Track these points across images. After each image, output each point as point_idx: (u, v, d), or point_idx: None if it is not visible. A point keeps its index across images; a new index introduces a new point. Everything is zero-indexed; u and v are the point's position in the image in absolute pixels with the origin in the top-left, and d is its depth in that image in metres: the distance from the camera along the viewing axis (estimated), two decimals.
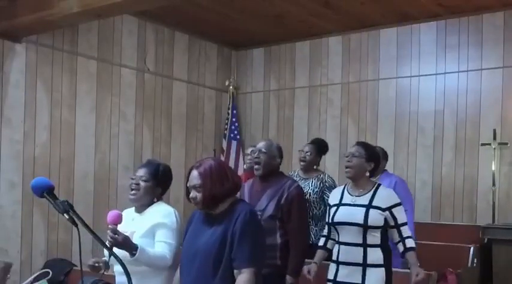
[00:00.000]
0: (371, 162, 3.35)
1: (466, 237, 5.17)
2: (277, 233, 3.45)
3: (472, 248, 4.87)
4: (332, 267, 3.36)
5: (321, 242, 3.53)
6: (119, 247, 2.50)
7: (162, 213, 2.85)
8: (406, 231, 3.26)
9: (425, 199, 5.98)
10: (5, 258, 5.00)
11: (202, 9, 5.88)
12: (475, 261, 4.88)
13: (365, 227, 3.20)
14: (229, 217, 2.45)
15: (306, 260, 3.53)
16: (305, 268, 3.37)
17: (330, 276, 3.35)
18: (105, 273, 2.92)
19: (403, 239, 3.25)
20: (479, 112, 5.76)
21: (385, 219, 3.24)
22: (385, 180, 4.64)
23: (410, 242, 3.25)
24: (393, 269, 3.71)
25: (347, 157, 3.37)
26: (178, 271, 2.67)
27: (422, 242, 5.03)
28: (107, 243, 2.42)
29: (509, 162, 5.59)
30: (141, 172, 2.91)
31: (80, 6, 4.34)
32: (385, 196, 3.30)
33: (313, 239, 4.36)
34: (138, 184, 2.89)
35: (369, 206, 3.24)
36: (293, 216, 3.46)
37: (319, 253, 3.49)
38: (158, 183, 2.92)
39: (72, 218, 2.01)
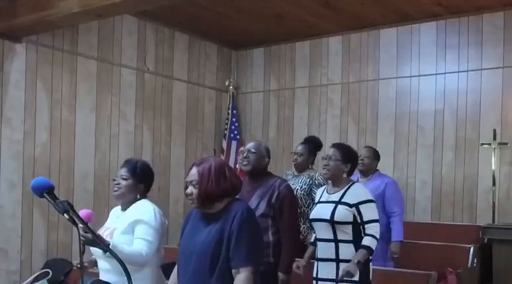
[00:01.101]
0: (348, 163, 3.45)
1: (466, 237, 5.16)
2: (269, 231, 3.54)
3: (472, 248, 4.87)
4: (315, 265, 3.46)
5: (312, 238, 3.64)
6: (90, 245, 2.53)
7: (141, 210, 2.91)
8: (370, 228, 3.29)
9: (425, 199, 5.98)
10: (5, 258, 5.02)
11: (202, 9, 5.88)
12: (475, 261, 4.88)
13: (332, 222, 3.29)
14: (226, 216, 2.46)
15: (296, 258, 3.61)
16: (294, 265, 3.48)
17: (314, 274, 3.45)
18: (95, 270, 2.96)
19: (364, 236, 3.29)
20: (479, 112, 5.76)
21: (354, 215, 3.30)
22: (377, 180, 4.68)
23: (366, 240, 3.26)
24: (384, 268, 3.77)
25: (325, 159, 3.47)
26: (175, 270, 2.68)
27: (422, 242, 5.04)
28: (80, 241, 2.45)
29: (509, 162, 5.58)
30: (122, 171, 3.00)
31: (80, 6, 4.34)
32: (355, 192, 3.38)
33: (302, 236, 4.40)
34: (119, 183, 2.97)
35: (338, 202, 3.34)
36: (284, 214, 3.55)
37: (310, 249, 3.61)
38: (139, 180, 2.98)
39: (72, 218, 2.02)
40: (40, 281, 4.16)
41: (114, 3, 4.20)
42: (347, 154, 3.47)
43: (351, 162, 3.47)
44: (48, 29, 5.08)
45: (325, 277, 3.34)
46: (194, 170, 2.52)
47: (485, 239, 5.18)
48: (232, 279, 2.40)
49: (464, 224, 5.68)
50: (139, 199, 2.98)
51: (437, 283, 4.07)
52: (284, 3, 5.69)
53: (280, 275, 3.51)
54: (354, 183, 3.49)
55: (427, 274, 3.84)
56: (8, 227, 5.05)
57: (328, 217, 3.31)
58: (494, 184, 5.56)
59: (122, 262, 2.09)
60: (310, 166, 4.73)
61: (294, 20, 6.19)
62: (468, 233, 5.29)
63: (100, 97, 5.78)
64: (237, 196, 3.59)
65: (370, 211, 3.32)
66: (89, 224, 2.58)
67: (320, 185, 4.53)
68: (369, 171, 4.76)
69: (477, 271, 4.97)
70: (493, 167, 5.58)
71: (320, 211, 3.41)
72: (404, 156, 6.14)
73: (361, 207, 3.31)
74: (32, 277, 4.23)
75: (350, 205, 3.31)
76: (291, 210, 3.60)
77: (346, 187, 3.41)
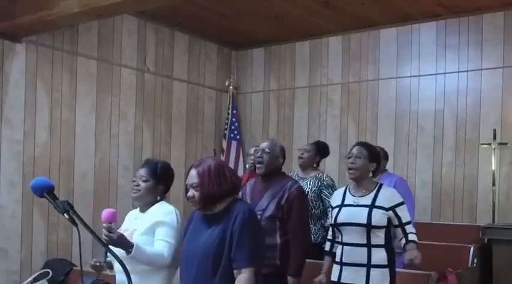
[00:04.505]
0: (373, 162, 3.35)
1: (466, 237, 5.16)
2: (277, 233, 3.44)
3: (472, 248, 4.87)
4: (335, 268, 3.33)
5: (327, 247, 3.51)
6: (114, 245, 2.51)
7: (163, 212, 2.86)
8: (410, 228, 3.27)
9: (425, 199, 5.98)
10: (5, 258, 5.02)
11: (202, 9, 5.88)
12: (475, 261, 4.88)
13: (368, 227, 3.19)
14: (228, 216, 2.45)
15: (307, 260, 3.54)
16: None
17: (334, 278, 3.32)
18: (109, 273, 2.93)
19: (406, 235, 3.25)
20: (479, 112, 5.76)
21: (389, 219, 3.24)
22: (385, 180, 4.63)
23: (412, 236, 3.25)
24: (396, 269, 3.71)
25: (349, 158, 3.33)
26: (178, 271, 2.68)
27: (423, 242, 5.02)
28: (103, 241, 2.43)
29: (509, 162, 5.59)
30: (141, 172, 2.93)
31: (80, 6, 4.34)
32: (388, 195, 3.29)
33: (313, 238, 4.37)
34: (138, 185, 2.90)
35: (372, 206, 3.23)
36: (293, 216, 3.44)
37: (327, 261, 3.46)
38: (159, 181, 2.92)
39: (72, 218, 2.01)
40: (40, 281, 4.16)
41: (114, 3, 4.19)
42: (373, 153, 3.37)
43: (376, 161, 3.37)
44: (48, 29, 5.07)
45: (352, 282, 3.23)
46: (193, 172, 2.49)
47: (485, 239, 5.18)
48: (235, 280, 2.39)
49: (464, 224, 5.68)
50: (158, 201, 2.93)
51: (437, 283, 4.06)
52: (284, 3, 5.68)
53: (290, 279, 3.41)
54: (381, 184, 3.39)
55: (427, 274, 3.83)
56: (8, 227, 5.05)
57: (364, 221, 3.20)
58: (494, 184, 5.56)
59: (122, 262, 2.08)
60: (314, 166, 4.70)
61: (294, 20, 6.19)
62: (468, 233, 5.29)
63: (100, 97, 5.78)
64: (248, 196, 3.59)
65: (406, 213, 3.28)
66: (113, 224, 2.57)
67: (329, 186, 4.48)
68: (378, 171, 4.72)
69: (477, 271, 4.97)
70: (493, 167, 5.58)
71: (352, 215, 3.26)
72: (404, 156, 6.14)
73: (397, 209, 3.24)
74: (32, 277, 4.23)
75: (386, 209, 3.22)
76: (300, 212, 3.48)
77: (375, 190, 3.30)
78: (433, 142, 6.00)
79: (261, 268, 2.52)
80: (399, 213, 3.25)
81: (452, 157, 5.88)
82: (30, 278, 4.17)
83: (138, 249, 2.60)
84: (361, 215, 3.23)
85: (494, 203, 5.54)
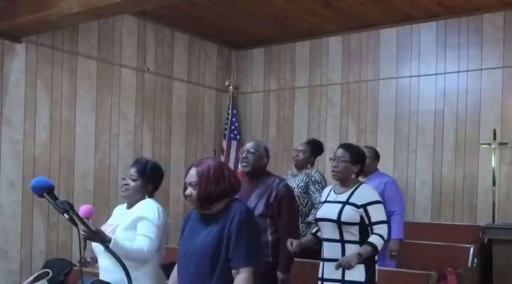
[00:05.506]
0: (357, 164, 3.40)
1: (466, 237, 5.17)
2: (268, 231, 3.54)
3: (472, 248, 4.87)
4: (320, 265, 3.43)
5: (314, 230, 3.62)
6: (91, 240, 2.53)
7: (145, 208, 2.91)
8: (378, 229, 3.26)
9: (425, 199, 5.98)
10: (5, 258, 5.02)
11: (202, 9, 5.88)
12: (475, 261, 4.88)
13: (339, 223, 3.26)
14: (225, 216, 2.47)
15: (295, 258, 3.61)
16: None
17: (319, 274, 3.41)
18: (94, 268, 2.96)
19: (372, 235, 3.27)
20: (479, 112, 5.76)
21: (361, 216, 3.27)
22: (376, 180, 4.67)
23: (373, 238, 3.24)
24: (384, 268, 3.73)
25: (334, 161, 3.40)
26: (175, 270, 2.68)
27: (423, 242, 5.04)
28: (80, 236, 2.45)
29: (509, 161, 5.59)
30: (131, 171, 3.00)
31: (80, 6, 4.34)
32: (363, 193, 3.34)
33: (301, 236, 4.40)
34: (128, 184, 2.97)
35: (345, 203, 3.30)
36: (283, 214, 3.56)
37: (309, 236, 3.60)
38: (148, 181, 2.98)
39: (72, 218, 2.02)
40: (40, 281, 4.15)
41: (114, 3, 4.20)
42: (356, 155, 3.41)
43: (360, 163, 3.41)
44: (48, 29, 5.08)
45: (330, 277, 3.29)
46: (193, 171, 2.52)
47: (485, 239, 5.18)
48: (233, 279, 2.40)
49: (464, 224, 5.68)
50: (145, 198, 2.99)
51: (437, 283, 4.07)
52: (284, 3, 5.69)
53: (279, 274, 3.52)
54: (361, 183, 3.44)
55: (427, 274, 3.84)
56: (8, 227, 5.05)
57: (335, 217, 3.27)
58: (494, 184, 5.56)
59: (121, 261, 2.09)
60: (308, 166, 4.75)
61: (294, 20, 6.19)
62: (468, 233, 5.30)
63: (100, 97, 5.78)
64: (235, 196, 3.62)
65: (377, 212, 3.29)
66: (90, 220, 2.59)
67: (317, 182, 4.56)
68: (369, 171, 4.77)
69: (477, 271, 4.97)
70: (493, 167, 5.58)
71: (327, 210, 3.36)
72: (404, 156, 6.14)
73: (368, 208, 3.27)
74: (32, 277, 4.22)
75: (357, 206, 3.26)
76: (290, 209, 3.60)
77: (354, 188, 3.36)
78: (433, 142, 6.00)
79: (259, 267, 2.54)
80: (370, 212, 3.27)
81: (452, 157, 5.88)
82: (30, 278, 4.16)
83: (116, 244, 2.62)
84: (333, 211, 3.30)
85: (494, 203, 5.54)
